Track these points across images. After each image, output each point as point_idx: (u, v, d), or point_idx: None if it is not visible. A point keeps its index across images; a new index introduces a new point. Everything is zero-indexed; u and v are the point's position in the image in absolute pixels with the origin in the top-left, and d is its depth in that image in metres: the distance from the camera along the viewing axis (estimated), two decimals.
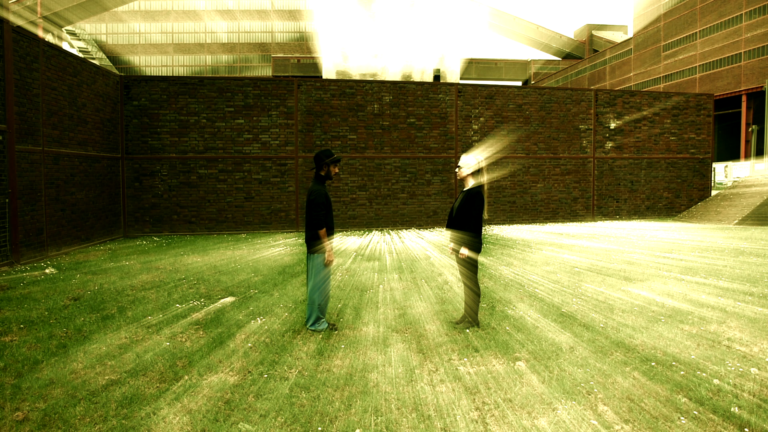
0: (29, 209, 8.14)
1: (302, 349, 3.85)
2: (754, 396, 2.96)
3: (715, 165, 30.16)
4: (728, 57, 31.93)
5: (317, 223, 4.21)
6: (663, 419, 2.70)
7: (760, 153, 29.58)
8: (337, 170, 4.41)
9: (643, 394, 3.00)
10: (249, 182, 12.40)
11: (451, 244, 4.36)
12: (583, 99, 14.41)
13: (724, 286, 5.90)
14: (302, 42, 59.62)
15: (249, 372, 3.40)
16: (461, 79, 52.87)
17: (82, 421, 2.72)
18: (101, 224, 10.69)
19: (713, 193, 16.43)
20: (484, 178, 4.35)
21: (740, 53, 31.04)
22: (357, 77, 41.14)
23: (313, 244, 4.28)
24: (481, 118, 13.68)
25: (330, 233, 4.33)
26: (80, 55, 46.22)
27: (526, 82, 58.54)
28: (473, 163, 4.26)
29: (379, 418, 2.75)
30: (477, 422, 2.70)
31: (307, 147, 12.67)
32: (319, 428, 2.64)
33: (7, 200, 7.58)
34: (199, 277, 6.68)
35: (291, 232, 12.50)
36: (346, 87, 12.91)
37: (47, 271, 7.16)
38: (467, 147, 13.49)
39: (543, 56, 63.99)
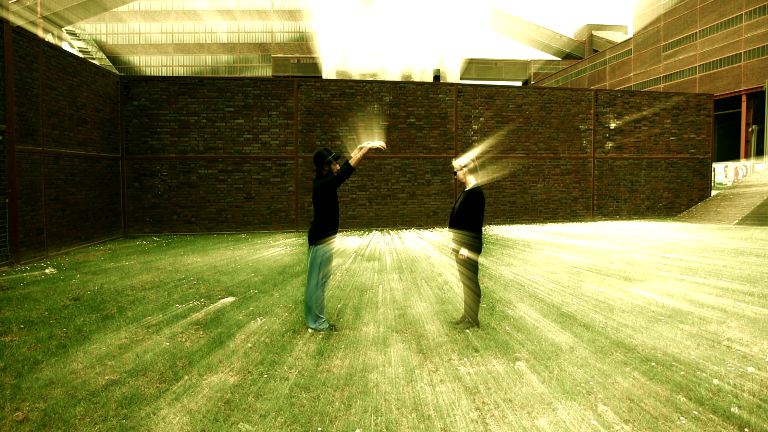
0: (29, 209, 8.13)
1: (302, 349, 3.85)
2: (754, 396, 2.96)
3: (715, 165, 30.15)
4: (728, 57, 31.92)
5: (342, 176, 4.14)
6: (663, 419, 2.70)
7: (760, 153, 29.56)
8: (338, 167, 4.36)
9: (643, 394, 3.00)
10: (249, 182, 12.40)
11: (452, 245, 4.36)
12: (583, 99, 14.41)
13: (724, 286, 5.90)
14: (302, 42, 59.61)
15: (249, 372, 3.40)
16: (461, 79, 52.87)
17: (82, 421, 2.72)
18: (101, 224, 10.68)
19: (713, 193, 16.43)
20: (479, 176, 4.38)
21: (740, 53, 31.03)
22: (357, 77, 41.14)
23: (319, 237, 4.24)
24: (481, 118, 13.68)
25: (334, 232, 4.33)
26: (80, 55, 46.25)
27: (526, 82, 58.53)
28: (466, 161, 4.29)
29: (379, 418, 2.75)
30: (477, 422, 2.70)
31: (307, 147, 12.67)
32: (319, 428, 2.64)
33: (7, 200, 7.58)
34: (199, 277, 6.68)
35: (291, 232, 12.49)
36: (346, 87, 12.91)
37: (47, 271, 7.16)
38: (467, 147, 13.49)
39: (543, 56, 63.99)
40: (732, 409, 2.78)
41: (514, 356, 3.67)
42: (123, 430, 2.63)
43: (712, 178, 24.46)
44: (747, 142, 31.19)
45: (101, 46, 58.43)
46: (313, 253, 4.26)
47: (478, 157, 4.42)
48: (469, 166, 4.29)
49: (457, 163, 4.34)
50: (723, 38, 32.26)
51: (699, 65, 34.37)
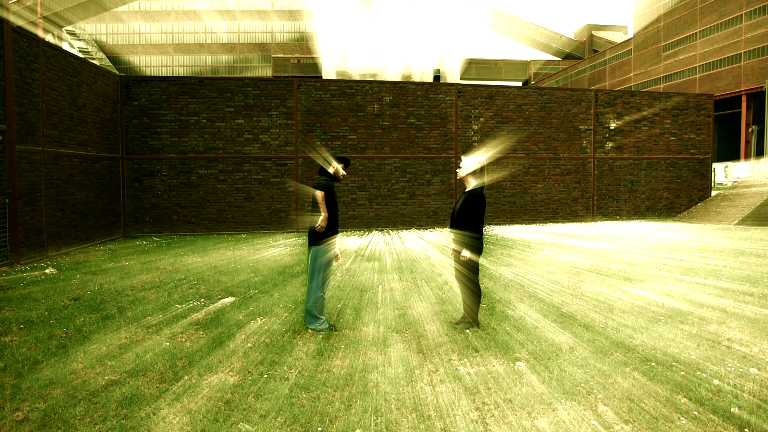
0: (29, 209, 8.13)
1: (302, 349, 3.85)
2: (754, 396, 2.96)
3: (715, 165, 30.15)
4: (728, 57, 31.92)
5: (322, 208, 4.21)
6: (663, 419, 2.70)
7: (760, 153, 29.58)
8: (344, 173, 4.39)
9: (643, 395, 3.00)
10: (249, 182, 12.40)
11: (452, 245, 4.36)
12: (583, 99, 14.41)
13: (724, 286, 5.90)
14: (302, 42, 59.60)
15: (249, 372, 3.40)
16: (461, 79, 52.86)
17: (82, 421, 2.72)
18: (101, 224, 10.68)
19: (713, 193, 16.43)
20: (485, 179, 4.36)
21: (740, 53, 31.03)
22: (357, 77, 41.14)
23: (320, 238, 4.24)
24: (481, 119, 13.68)
25: (334, 232, 4.32)
26: (80, 55, 46.26)
27: (526, 83, 58.53)
28: (473, 163, 4.27)
29: (379, 418, 2.75)
30: (477, 422, 2.70)
31: (307, 147, 12.67)
32: (319, 428, 2.64)
33: (7, 200, 7.58)
34: (199, 278, 6.68)
35: (291, 232, 12.49)
36: (346, 87, 12.91)
37: (47, 271, 7.16)
38: (467, 147, 13.49)
39: (543, 56, 63.97)
40: (732, 410, 2.78)
41: (514, 356, 3.67)
42: (123, 430, 2.63)
43: (712, 179, 24.45)
44: (747, 142, 31.19)
45: (101, 46, 58.42)
46: (313, 253, 4.26)
47: (486, 160, 4.43)
48: (473, 168, 4.27)
49: (465, 162, 4.31)
50: (723, 38, 32.26)
51: (699, 65, 34.37)
